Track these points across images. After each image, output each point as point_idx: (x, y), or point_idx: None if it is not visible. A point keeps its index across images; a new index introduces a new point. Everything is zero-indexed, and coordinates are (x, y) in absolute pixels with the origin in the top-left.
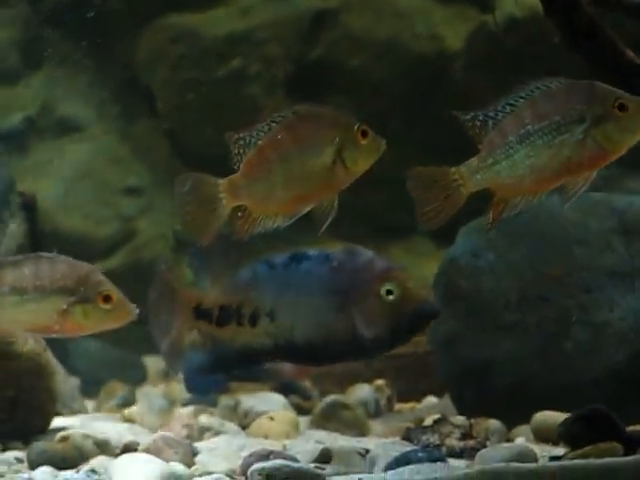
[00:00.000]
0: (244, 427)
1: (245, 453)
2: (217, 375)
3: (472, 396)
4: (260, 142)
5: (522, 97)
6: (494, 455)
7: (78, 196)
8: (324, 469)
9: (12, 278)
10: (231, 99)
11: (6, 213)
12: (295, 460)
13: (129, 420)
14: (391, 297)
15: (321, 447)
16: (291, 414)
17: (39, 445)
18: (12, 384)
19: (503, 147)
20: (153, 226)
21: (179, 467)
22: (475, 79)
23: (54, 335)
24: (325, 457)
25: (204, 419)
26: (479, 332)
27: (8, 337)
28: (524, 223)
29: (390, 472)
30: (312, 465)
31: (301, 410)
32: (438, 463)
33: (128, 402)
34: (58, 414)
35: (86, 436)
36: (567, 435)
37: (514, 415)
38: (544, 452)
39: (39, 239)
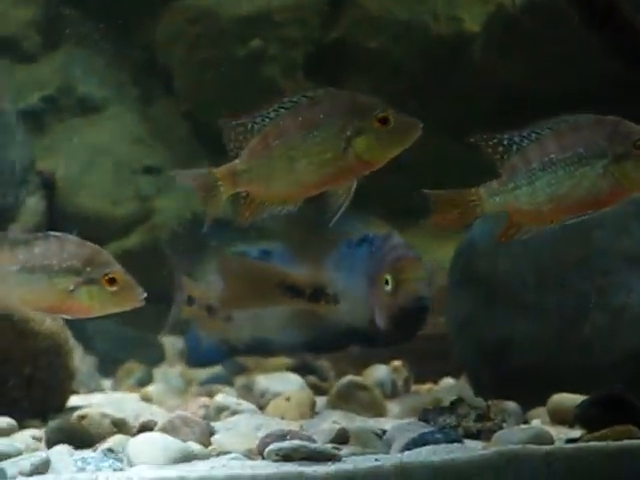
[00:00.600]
0: (261, 407)
1: (262, 433)
2: (221, 350)
3: (489, 378)
4: (265, 128)
5: (549, 127)
6: (510, 437)
7: (96, 175)
8: (341, 450)
9: (23, 257)
10: (249, 80)
11: (25, 191)
12: (312, 440)
13: (146, 399)
14: (387, 287)
15: (338, 428)
16: (308, 394)
17: (56, 423)
18: (29, 362)
19: (525, 173)
20: (171, 206)
21: (196, 446)
22: (493, 60)
23: (63, 315)
24: (342, 438)
25: (221, 398)
26: (496, 314)
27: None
28: None
29: (407, 453)
30: (329, 446)
31: (318, 390)
32: (455, 444)
33: (145, 382)
34: (75, 393)
35: (103, 415)
36: (584, 417)
37: (531, 397)
38: (560, 434)
39: (56, 217)
